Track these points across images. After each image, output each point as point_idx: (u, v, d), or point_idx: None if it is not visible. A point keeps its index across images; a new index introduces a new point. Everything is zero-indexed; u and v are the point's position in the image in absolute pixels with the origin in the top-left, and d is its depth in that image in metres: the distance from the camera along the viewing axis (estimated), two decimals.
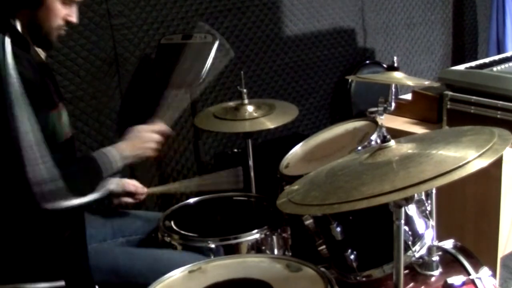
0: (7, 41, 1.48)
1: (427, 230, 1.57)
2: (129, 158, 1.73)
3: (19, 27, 1.55)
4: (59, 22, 1.61)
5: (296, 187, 1.38)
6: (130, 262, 1.73)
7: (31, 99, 1.47)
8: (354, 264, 1.51)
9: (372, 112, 1.99)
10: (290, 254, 1.88)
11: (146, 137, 1.80)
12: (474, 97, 2.33)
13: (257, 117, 2.19)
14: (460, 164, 1.09)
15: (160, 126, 1.85)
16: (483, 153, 1.12)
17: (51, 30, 1.60)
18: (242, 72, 2.25)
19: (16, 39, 1.51)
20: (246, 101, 2.24)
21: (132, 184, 1.95)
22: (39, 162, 1.45)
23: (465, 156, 1.11)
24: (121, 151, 1.70)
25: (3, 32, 1.50)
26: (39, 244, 1.58)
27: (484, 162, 1.10)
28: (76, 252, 1.66)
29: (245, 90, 2.24)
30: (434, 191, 1.70)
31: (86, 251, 1.70)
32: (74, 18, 1.64)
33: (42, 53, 1.69)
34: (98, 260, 1.73)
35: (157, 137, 1.82)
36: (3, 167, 1.48)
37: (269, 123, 2.18)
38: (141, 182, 2.02)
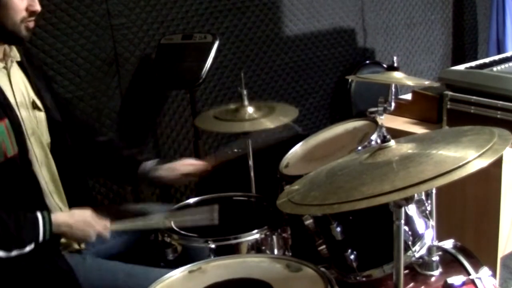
0: None
1: (427, 230, 1.57)
2: (59, 232, 1.65)
3: None
4: (22, 15, 1.59)
5: (296, 187, 1.38)
6: (130, 281, 1.70)
7: None
8: (354, 264, 1.51)
9: (372, 112, 1.99)
10: (290, 254, 1.88)
11: (87, 227, 1.68)
12: (474, 97, 2.33)
13: (257, 118, 2.19)
14: (460, 164, 1.09)
15: (106, 232, 1.73)
16: (483, 153, 1.12)
17: (16, 25, 1.58)
18: (242, 73, 2.25)
19: None
20: (246, 102, 2.24)
21: (188, 164, 1.97)
22: None
23: (465, 156, 1.11)
24: (57, 222, 1.63)
25: None
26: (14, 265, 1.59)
27: (484, 162, 1.10)
28: (54, 265, 1.66)
29: (245, 92, 2.24)
30: (434, 191, 1.70)
31: (66, 262, 1.70)
32: (36, 7, 1.62)
33: (9, 63, 1.65)
34: (99, 277, 1.71)
35: (94, 237, 1.71)
36: None
37: (269, 124, 2.18)
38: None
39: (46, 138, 1.75)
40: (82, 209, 1.70)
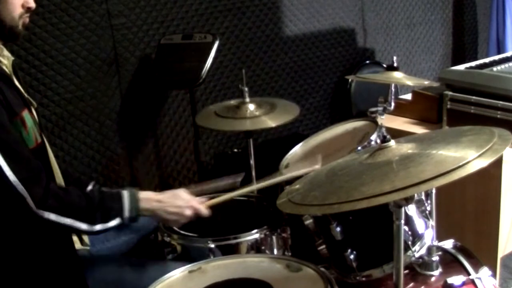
0: None
1: (427, 230, 1.57)
2: (149, 212, 1.62)
3: None
4: (19, 10, 1.60)
5: (296, 186, 1.38)
6: (137, 275, 1.69)
7: None
8: (354, 264, 1.51)
9: (372, 112, 1.99)
10: (289, 254, 1.88)
11: (181, 207, 1.65)
12: (474, 97, 2.33)
13: (259, 115, 2.18)
14: (460, 164, 1.09)
15: (202, 207, 1.69)
16: (483, 153, 1.12)
17: (14, 21, 1.59)
18: (243, 70, 2.24)
19: None
20: (247, 99, 2.24)
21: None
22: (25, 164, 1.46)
23: (465, 156, 1.11)
24: (144, 202, 1.60)
25: None
26: (27, 259, 1.57)
27: (484, 162, 1.10)
28: (65, 260, 1.64)
29: (246, 89, 2.23)
30: (434, 191, 1.70)
31: (77, 258, 1.69)
32: (32, 4, 1.63)
33: (6, 61, 1.65)
34: (104, 271, 1.71)
35: (190, 214, 1.66)
36: None
37: (271, 122, 2.17)
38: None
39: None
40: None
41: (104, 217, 1.55)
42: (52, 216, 1.48)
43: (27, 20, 1.65)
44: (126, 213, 1.57)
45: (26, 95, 1.72)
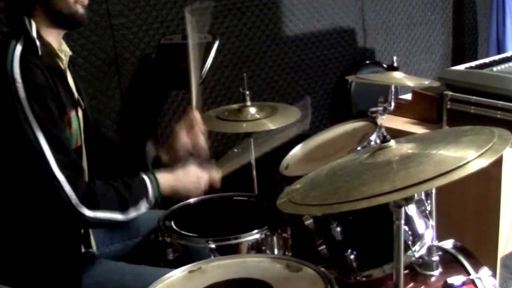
0: (18, 48, 1.48)
1: (427, 230, 1.57)
2: (168, 190, 1.71)
3: (34, 30, 1.53)
4: None
5: (297, 186, 1.38)
6: (139, 284, 1.68)
7: (40, 103, 1.46)
8: (354, 264, 1.51)
9: (373, 112, 2.00)
10: (290, 254, 1.88)
11: (196, 178, 1.77)
12: (474, 97, 2.33)
13: (259, 118, 2.20)
14: (460, 164, 1.09)
15: (214, 175, 1.83)
16: (483, 153, 1.12)
17: (71, 8, 1.58)
18: (245, 74, 2.26)
19: (28, 44, 1.50)
20: (248, 103, 2.25)
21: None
22: (61, 165, 1.47)
23: (465, 156, 1.11)
24: (163, 182, 1.69)
25: (17, 38, 1.50)
26: (32, 252, 1.59)
27: (484, 162, 1.10)
28: (69, 261, 1.65)
29: (247, 92, 2.25)
30: (434, 191, 1.71)
31: (81, 260, 1.69)
32: None
33: (63, 57, 1.65)
34: (106, 278, 1.71)
35: (205, 183, 1.79)
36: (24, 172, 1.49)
37: (271, 125, 2.19)
38: None
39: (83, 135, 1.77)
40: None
41: (135, 204, 1.60)
42: (96, 213, 1.52)
43: (86, 2, 1.62)
44: (151, 198, 1.64)
45: (76, 95, 1.71)
